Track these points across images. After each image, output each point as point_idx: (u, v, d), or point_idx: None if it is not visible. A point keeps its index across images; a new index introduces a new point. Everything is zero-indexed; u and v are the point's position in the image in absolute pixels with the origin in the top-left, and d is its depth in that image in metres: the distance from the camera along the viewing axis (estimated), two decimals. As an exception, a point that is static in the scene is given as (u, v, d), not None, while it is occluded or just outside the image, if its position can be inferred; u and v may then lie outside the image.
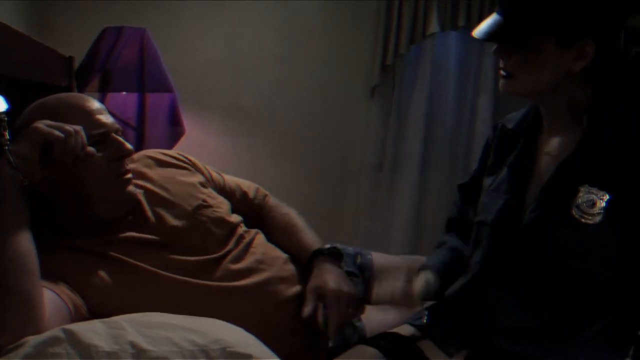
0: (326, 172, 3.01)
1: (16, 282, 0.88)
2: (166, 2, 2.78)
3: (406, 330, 1.23)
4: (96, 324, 0.85)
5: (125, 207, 1.15)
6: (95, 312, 1.02)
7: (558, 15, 1.05)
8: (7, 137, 0.95)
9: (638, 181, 1.02)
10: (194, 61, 2.83)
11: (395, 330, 1.24)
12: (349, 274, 1.43)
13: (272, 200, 1.48)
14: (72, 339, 0.79)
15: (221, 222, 1.23)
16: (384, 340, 1.19)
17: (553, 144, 1.14)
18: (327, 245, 1.32)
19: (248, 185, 1.46)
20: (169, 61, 2.33)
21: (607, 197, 1.02)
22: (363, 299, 1.40)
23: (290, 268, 1.26)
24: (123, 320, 0.86)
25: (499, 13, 1.10)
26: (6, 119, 0.98)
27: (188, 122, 2.42)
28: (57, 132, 0.97)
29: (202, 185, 1.29)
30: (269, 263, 1.22)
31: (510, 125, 1.23)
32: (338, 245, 1.57)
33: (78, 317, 1.00)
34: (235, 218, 1.28)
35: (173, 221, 1.17)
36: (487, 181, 1.26)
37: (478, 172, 1.33)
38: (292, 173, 2.97)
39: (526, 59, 1.08)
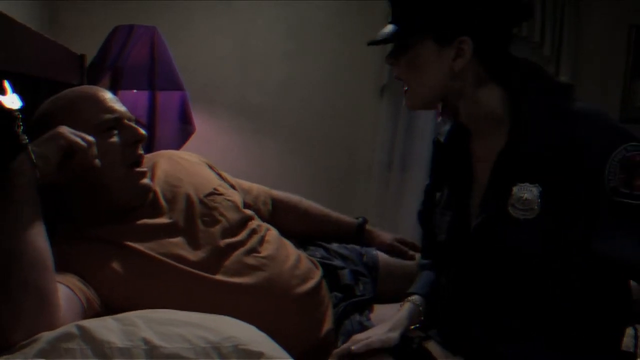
0: (335, 171, 3.01)
1: (31, 278, 0.89)
2: (176, 0, 2.79)
3: (413, 331, 1.24)
4: (109, 321, 0.85)
5: (139, 198, 1.17)
6: (107, 303, 1.04)
7: (433, 13, 1.04)
8: (23, 134, 0.96)
9: (563, 172, 1.01)
10: (203, 59, 2.84)
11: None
12: (357, 273, 1.43)
13: (279, 193, 1.56)
14: (86, 335, 0.80)
15: (234, 208, 1.25)
16: None
17: (484, 150, 1.13)
18: (359, 218, 1.66)
19: (257, 191, 1.51)
20: (179, 59, 2.34)
21: (538, 189, 1.02)
22: (372, 299, 1.40)
23: (303, 265, 1.27)
24: (135, 316, 0.86)
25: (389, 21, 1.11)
26: (20, 116, 0.99)
27: (197, 119, 2.42)
28: (81, 141, 0.99)
29: (217, 178, 1.33)
30: (281, 260, 1.23)
31: (442, 139, 1.22)
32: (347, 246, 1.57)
33: (91, 311, 1.01)
34: (248, 211, 1.30)
35: (185, 206, 1.19)
36: (437, 197, 1.25)
37: (431, 192, 1.30)
38: (301, 171, 2.97)
39: (410, 61, 1.08)
